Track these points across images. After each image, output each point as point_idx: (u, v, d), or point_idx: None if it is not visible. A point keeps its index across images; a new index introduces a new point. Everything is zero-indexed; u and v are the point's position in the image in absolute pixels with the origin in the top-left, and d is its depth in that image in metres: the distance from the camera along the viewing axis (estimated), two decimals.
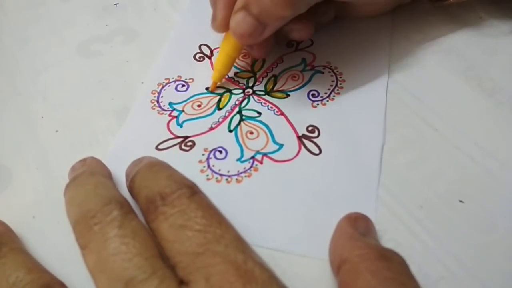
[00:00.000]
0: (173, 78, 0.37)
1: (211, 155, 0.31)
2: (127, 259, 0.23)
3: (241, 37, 0.32)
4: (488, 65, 0.35)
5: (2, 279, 0.23)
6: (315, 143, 0.32)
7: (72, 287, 0.25)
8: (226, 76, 0.36)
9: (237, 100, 0.35)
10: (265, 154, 0.31)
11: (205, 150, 0.32)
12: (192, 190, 0.25)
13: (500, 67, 0.35)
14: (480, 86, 0.34)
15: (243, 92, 0.35)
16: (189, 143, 0.32)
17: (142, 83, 0.37)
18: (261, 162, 0.31)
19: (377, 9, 0.39)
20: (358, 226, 0.25)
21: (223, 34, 0.35)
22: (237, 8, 0.31)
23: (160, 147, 0.32)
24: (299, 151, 0.31)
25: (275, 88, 0.35)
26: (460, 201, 0.28)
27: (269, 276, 0.22)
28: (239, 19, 0.31)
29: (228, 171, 0.31)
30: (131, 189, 0.28)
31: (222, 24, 0.33)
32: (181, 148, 0.32)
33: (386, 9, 0.39)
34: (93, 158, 0.30)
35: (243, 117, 0.34)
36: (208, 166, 0.31)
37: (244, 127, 0.33)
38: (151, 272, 0.22)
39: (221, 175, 0.30)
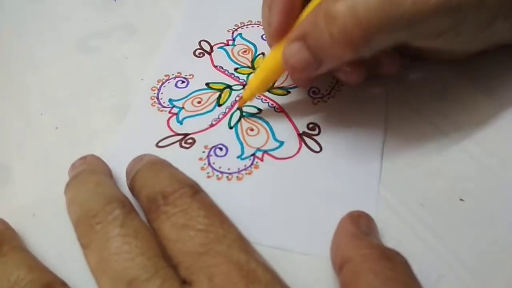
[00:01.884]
0: (172, 74, 0.37)
1: (212, 152, 0.31)
2: (130, 258, 0.23)
3: (292, 69, 0.29)
4: (490, 64, 0.35)
5: (3, 277, 0.23)
6: (316, 141, 0.32)
7: (73, 286, 0.25)
8: (226, 72, 0.36)
9: (237, 96, 0.35)
10: (265, 151, 0.31)
11: (206, 147, 0.32)
12: (194, 189, 0.25)
13: (501, 66, 0.35)
14: (482, 85, 0.34)
15: (243, 88, 0.35)
16: (189, 140, 0.32)
17: (142, 79, 0.36)
18: (261, 160, 0.31)
19: (455, 57, 0.33)
20: (360, 225, 0.25)
21: (224, 29, 0.34)
22: (294, 37, 0.29)
23: (160, 144, 0.32)
24: (299, 149, 0.31)
25: (275, 85, 0.35)
26: (461, 200, 0.28)
27: (272, 276, 0.22)
28: (293, 50, 0.28)
29: (229, 169, 0.30)
30: (132, 188, 0.28)
31: (278, 32, 0.30)
32: (181, 146, 0.32)
33: (467, 57, 0.34)
34: (93, 156, 0.30)
35: (244, 114, 0.34)
36: (209, 163, 0.31)
37: (244, 123, 0.33)
38: (154, 271, 0.22)
39: (221, 172, 0.30)
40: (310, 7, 0.29)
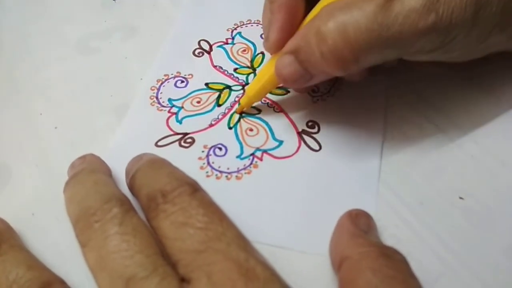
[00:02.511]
0: (172, 74, 0.37)
1: (211, 152, 0.31)
2: (128, 256, 0.23)
3: (284, 81, 0.30)
4: (489, 63, 0.35)
5: (2, 276, 0.23)
6: (315, 139, 0.32)
7: (72, 285, 0.25)
8: (226, 72, 0.36)
9: (237, 96, 0.35)
10: (265, 151, 0.31)
11: (205, 147, 0.32)
12: (193, 188, 0.25)
13: (501, 65, 0.35)
14: (481, 84, 0.34)
15: (243, 88, 0.35)
16: (189, 140, 0.32)
17: (141, 79, 0.36)
18: (261, 159, 0.31)
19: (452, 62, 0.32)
20: (359, 223, 0.25)
21: (224, 27, 0.34)
22: (286, 50, 0.29)
23: (159, 143, 0.32)
24: (299, 147, 0.31)
25: None
26: (460, 198, 0.28)
27: (271, 274, 0.22)
28: (286, 63, 0.29)
29: (228, 168, 0.31)
30: (131, 187, 0.28)
31: (274, 47, 0.31)
32: (180, 145, 0.32)
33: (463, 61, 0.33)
34: (92, 155, 0.30)
35: (243, 114, 0.34)
36: (208, 163, 0.31)
37: (243, 124, 0.33)
38: (152, 269, 0.22)
39: (221, 172, 0.30)
40: (309, 18, 0.30)
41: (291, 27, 0.30)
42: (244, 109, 0.34)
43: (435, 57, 0.28)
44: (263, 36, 0.33)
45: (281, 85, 0.32)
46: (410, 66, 0.31)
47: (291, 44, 0.29)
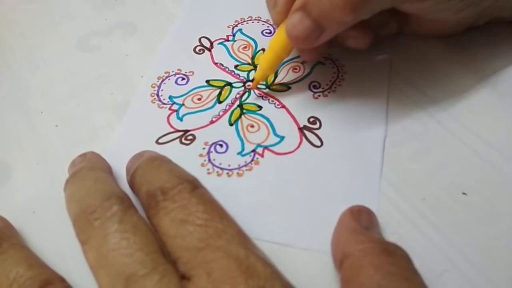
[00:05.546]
0: (173, 71, 0.36)
1: (212, 149, 0.31)
2: (128, 254, 0.23)
3: (296, 40, 0.30)
4: (492, 57, 0.35)
5: (2, 275, 0.23)
6: (317, 135, 0.31)
7: (73, 283, 0.25)
8: (227, 69, 0.36)
9: (238, 93, 0.35)
10: (266, 147, 0.31)
11: (206, 143, 0.32)
12: (193, 185, 0.25)
13: (503, 59, 0.34)
14: (484, 78, 0.34)
15: (244, 85, 0.35)
16: (190, 137, 0.32)
17: (142, 77, 0.36)
18: (262, 155, 0.31)
19: (445, 28, 0.35)
20: (361, 220, 0.25)
21: (225, 24, 0.34)
22: (294, 8, 0.30)
23: (160, 141, 0.32)
24: (300, 143, 0.31)
25: (276, 81, 0.35)
26: (464, 193, 0.28)
27: (272, 271, 0.22)
28: (295, 20, 0.29)
29: (229, 165, 0.30)
30: (131, 184, 0.28)
31: (284, 11, 0.31)
32: (181, 142, 0.32)
33: (456, 30, 0.35)
34: (93, 153, 0.30)
35: (244, 111, 0.33)
36: (209, 160, 0.31)
37: (244, 120, 0.33)
38: (152, 267, 0.22)
39: (222, 169, 0.30)
40: None
41: None
42: (259, 83, 0.34)
43: (436, 7, 0.29)
44: (268, 6, 0.33)
45: (294, 54, 0.33)
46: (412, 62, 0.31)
47: (297, 2, 0.29)
